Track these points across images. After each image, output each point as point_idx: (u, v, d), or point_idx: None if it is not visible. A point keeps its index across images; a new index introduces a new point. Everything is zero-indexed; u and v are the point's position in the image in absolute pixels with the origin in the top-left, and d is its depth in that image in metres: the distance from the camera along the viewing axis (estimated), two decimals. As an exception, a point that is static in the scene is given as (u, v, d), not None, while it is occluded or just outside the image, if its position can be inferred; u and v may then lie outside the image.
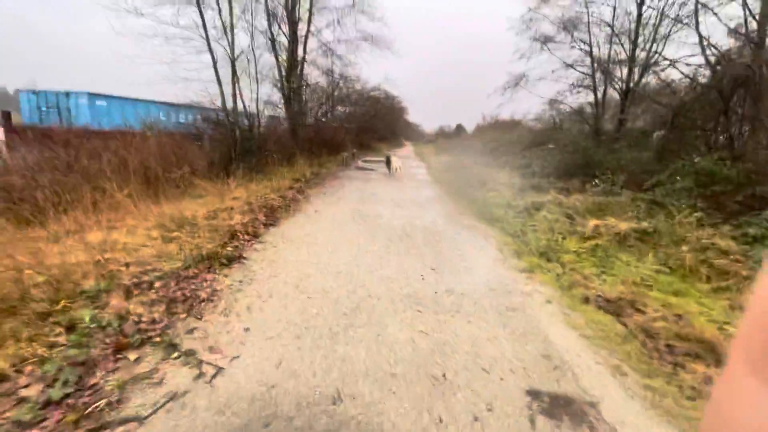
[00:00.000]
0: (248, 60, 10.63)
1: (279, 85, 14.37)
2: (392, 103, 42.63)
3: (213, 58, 9.45)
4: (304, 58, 15.14)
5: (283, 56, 14.58)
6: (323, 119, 22.45)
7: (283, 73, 14.43)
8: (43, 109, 17.71)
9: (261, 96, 11.41)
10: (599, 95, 16.77)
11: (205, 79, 10.07)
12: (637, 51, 14.73)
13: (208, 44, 9.40)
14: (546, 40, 18.17)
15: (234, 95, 9.96)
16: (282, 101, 14.62)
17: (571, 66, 17.26)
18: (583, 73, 17.37)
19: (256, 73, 10.97)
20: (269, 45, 13.75)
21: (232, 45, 9.71)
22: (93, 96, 17.96)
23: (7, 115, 6.81)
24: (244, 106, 10.81)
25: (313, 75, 17.31)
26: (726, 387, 0.36)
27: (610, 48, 16.12)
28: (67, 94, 17.80)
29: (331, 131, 20.09)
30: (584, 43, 17.41)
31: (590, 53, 16.70)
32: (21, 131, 7.13)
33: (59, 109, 17.42)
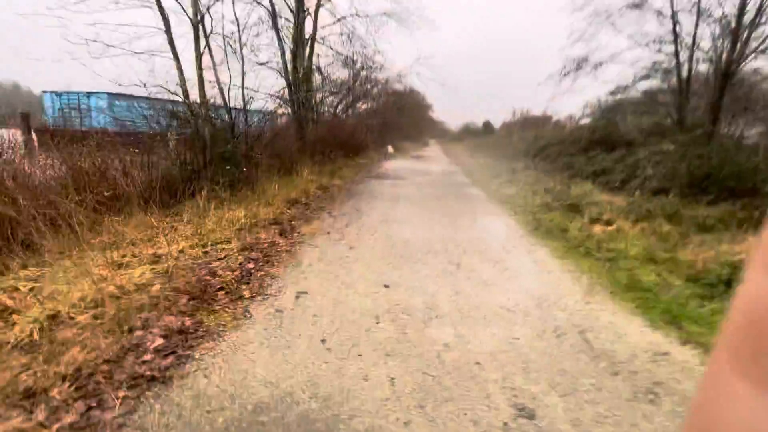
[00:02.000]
0: (225, 31, 7.24)
1: (282, 68, 10.94)
2: (417, 99, 38.88)
3: (163, 15, 6.05)
4: (314, 36, 11.66)
5: (287, 32, 11.12)
6: (344, 115, 18.97)
7: (287, 55, 10.97)
8: (65, 110, 15.88)
9: (262, 86, 8.09)
10: (683, 79, 12.94)
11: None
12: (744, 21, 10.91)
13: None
14: (609, 15, 14.28)
15: (201, 77, 6.56)
16: (285, 91, 11.19)
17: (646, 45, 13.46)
18: (662, 51, 13.53)
19: (240, 48, 7.55)
20: (268, 16, 10.31)
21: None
22: (112, 96, 15.52)
23: (26, 117, 6.11)
24: (225, 97, 7.43)
25: (327, 61, 13.82)
26: (712, 389, 0.33)
27: (698, 19, 12.32)
28: (88, 95, 15.63)
29: (350, 129, 16.57)
30: (662, 16, 13.52)
31: (674, 26, 12.93)
32: (40, 133, 6.43)
33: (80, 110, 15.53)
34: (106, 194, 4.85)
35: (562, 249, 4.61)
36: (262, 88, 10.47)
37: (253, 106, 8.78)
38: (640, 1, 13.53)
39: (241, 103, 7.89)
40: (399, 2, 12.29)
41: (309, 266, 3.78)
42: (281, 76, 11.08)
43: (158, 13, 5.96)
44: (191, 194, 6.37)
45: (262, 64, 9.39)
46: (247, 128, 7.93)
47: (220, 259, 3.70)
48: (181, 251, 3.80)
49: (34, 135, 6.43)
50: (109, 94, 14.82)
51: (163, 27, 6.05)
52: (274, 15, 10.75)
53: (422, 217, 6.14)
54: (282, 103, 11.08)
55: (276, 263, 3.76)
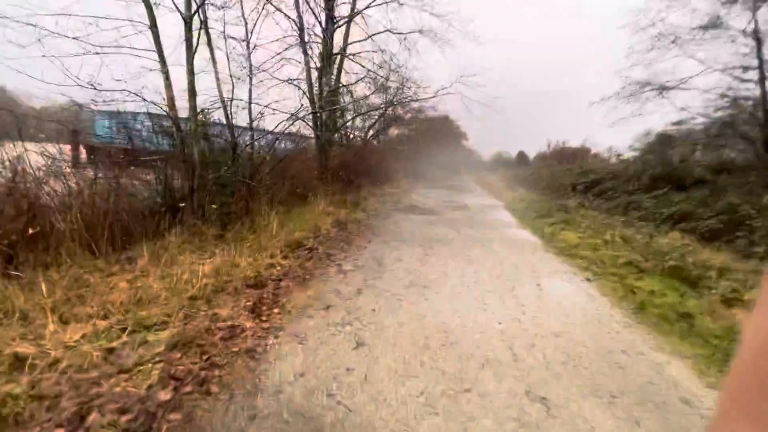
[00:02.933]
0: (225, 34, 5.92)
1: (306, 85, 9.64)
2: (450, 127, 37.47)
3: (147, 4, 4.75)
4: (343, 52, 10.39)
5: (315, 50, 9.89)
6: (374, 141, 17.64)
7: (312, 72, 9.69)
8: (114, 128, 15.52)
9: (285, 106, 6.73)
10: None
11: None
12: None
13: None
14: (676, 38, 12.59)
15: (192, 85, 5.18)
16: (309, 110, 9.87)
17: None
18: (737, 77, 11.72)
19: (248, 54, 6.20)
20: (295, 30, 9.11)
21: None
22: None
23: (75, 133, 5.60)
24: (227, 113, 6.05)
25: (357, 80, 12.54)
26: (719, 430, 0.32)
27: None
28: (135, 115, 15.12)
29: (378, 156, 15.13)
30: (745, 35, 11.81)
31: (759, 47, 11.28)
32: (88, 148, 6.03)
33: (128, 128, 15.07)
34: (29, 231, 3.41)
35: (707, 362, 2.71)
36: (285, 107, 9.19)
37: (271, 126, 7.44)
38: (715, 22, 11.68)
39: (253, 120, 6.51)
40: (439, 16, 10.90)
41: (271, 402, 2.07)
42: (306, 95, 9.79)
43: (142, 5, 4.69)
44: (168, 229, 4.90)
45: (285, 81, 8.09)
46: (252, 150, 6.51)
47: (123, 371, 2.08)
48: (69, 347, 2.22)
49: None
50: (149, 114, 14.27)
51: (147, 22, 4.78)
52: (301, 28, 9.58)
53: (465, 279, 4.37)
54: (304, 123, 9.75)
55: (214, 388, 2.08)
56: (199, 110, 5.80)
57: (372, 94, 10.71)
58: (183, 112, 5.54)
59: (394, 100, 9.96)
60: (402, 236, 6.54)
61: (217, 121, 6.38)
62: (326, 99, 9.51)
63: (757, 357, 0.28)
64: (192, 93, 5.13)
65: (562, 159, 39.75)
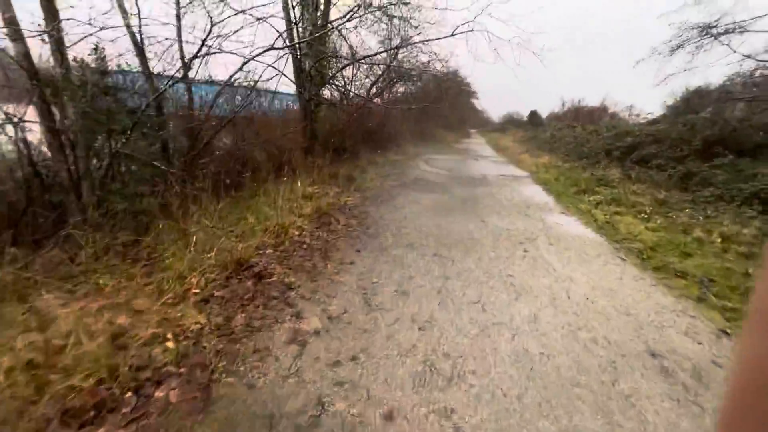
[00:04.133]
0: None
1: (285, 22, 7.28)
2: (460, 85, 34.19)
3: None
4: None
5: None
6: (376, 100, 15.15)
7: (292, 4, 7.30)
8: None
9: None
10: None
11: None
12: None
13: None
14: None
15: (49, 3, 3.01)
16: (287, 56, 7.54)
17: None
18: None
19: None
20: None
21: None
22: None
23: None
24: (143, 51, 3.88)
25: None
26: None
27: None
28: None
29: (380, 117, 12.79)
30: None
31: None
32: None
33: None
34: None
35: None
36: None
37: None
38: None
39: (188, 63, 4.32)
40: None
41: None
42: (282, 37, 7.41)
43: None
44: (34, 241, 2.94)
45: (242, 11, 5.71)
46: (192, 112, 4.38)
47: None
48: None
49: None
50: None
51: None
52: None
53: (527, 350, 2.38)
54: (279, 74, 7.44)
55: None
56: (93, 50, 3.62)
57: (368, 30, 8.31)
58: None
59: (401, 43, 7.53)
60: (407, 236, 4.49)
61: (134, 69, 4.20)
62: (310, 40, 7.16)
63: (753, 382, 0.26)
64: (50, 12, 2.94)
65: (578, 119, 36.72)
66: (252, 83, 5.64)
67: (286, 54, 7.47)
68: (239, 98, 5.81)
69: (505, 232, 4.89)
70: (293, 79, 7.64)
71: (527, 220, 5.55)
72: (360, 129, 10.37)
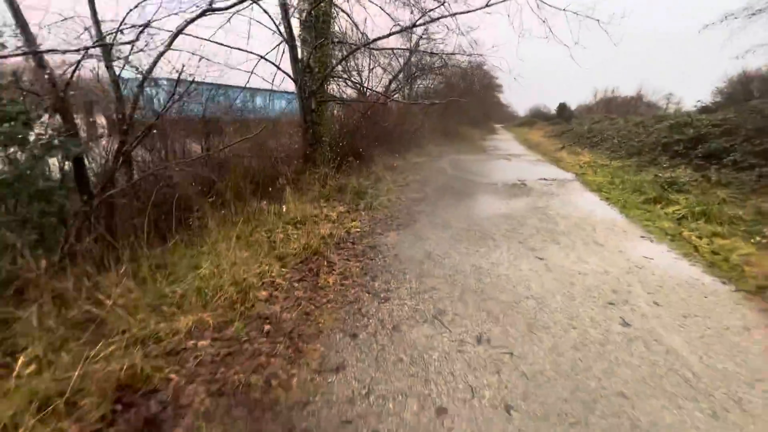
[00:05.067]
0: None
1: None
2: (484, 78, 32.04)
3: None
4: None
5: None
6: (395, 96, 13.56)
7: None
8: None
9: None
10: None
11: None
12: None
13: None
14: None
15: None
16: (286, 47, 6.10)
17: None
18: None
19: None
20: None
21: None
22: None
23: None
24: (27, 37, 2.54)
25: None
26: None
27: None
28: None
29: (398, 116, 11.24)
30: None
31: None
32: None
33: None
34: None
35: None
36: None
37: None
38: None
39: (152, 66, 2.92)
40: None
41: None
42: (276, 23, 5.96)
43: None
44: None
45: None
46: (123, 114, 2.99)
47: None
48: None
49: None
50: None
51: None
52: None
53: None
54: (276, 69, 5.99)
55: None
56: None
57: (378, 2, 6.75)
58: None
59: (422, 19, 5.90)
60: (433, 294, 2.93)
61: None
62: (308, 23, 5.70)
63: None
64: None
65: (611, 110, 33.93)
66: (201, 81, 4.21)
67: (281, 44, 6.04)
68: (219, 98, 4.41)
69: (578, 279, 3.26)
70: (290, 73, 6.18)
71: (601, 254, 3.89)
72: (374, 129, 8.85)
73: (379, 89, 14.54)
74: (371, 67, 13.44)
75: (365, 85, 13.14)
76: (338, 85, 8.17)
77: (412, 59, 15.14)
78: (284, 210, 4.53)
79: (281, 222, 4.30)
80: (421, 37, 11.87)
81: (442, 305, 2.76)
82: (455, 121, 21.13)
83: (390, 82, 16.66)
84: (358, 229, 4.45)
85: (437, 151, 12.86)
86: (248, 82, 5.85)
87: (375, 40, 6.50)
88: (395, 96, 15.10)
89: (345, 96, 8.17)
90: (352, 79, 9.70)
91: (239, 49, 5.25)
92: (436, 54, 10.43)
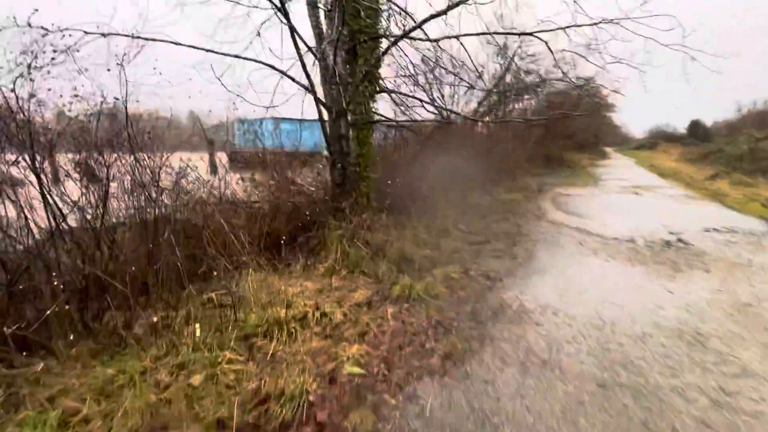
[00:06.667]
0: None
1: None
2: (591, 96, 27.38)
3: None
4: None
5: None
6: (484, 121, 10.99)
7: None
8: (246, 135, 14.66)
9: None
10: None
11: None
12: None
13: None
14: None
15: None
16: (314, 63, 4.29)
17: None
18: None
19: None
20: None
21: None
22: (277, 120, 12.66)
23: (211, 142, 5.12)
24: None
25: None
26: None
27: None
28: (261, 122, 13.60)
29: (483, 140, 8.84)
30: None
31: None
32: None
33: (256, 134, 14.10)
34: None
35: None
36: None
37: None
38: None
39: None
40: None
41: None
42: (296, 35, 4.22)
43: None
44: None
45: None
46: None
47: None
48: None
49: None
50: (273, 118, 11.67)
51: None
52: None
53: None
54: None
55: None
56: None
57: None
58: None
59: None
60: None
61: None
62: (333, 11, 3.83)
63: None
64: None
65: (762, 126, 26.33)
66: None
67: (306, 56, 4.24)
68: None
69: None
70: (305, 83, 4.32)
71: None
72: (444, 160, 6.58)
73: (462, 110, 12.26)
74: (454, 83, 11.37)
75: (437, 101, 11.00)
76: (394, 106, 6.11)
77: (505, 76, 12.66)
78: (247, 299, 2.53)
79: (228, 334, 2.29)
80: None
81: None
82: (558, 146, 17.63)
83: (479, 103, 14.28)
84: (363, 360, 2.19)
85: (535, 184, 9.95)
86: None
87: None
88: (486, 118, 12.62)
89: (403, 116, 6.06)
90: (423, 95, 7.55)
91: (230, 55, 3.56)
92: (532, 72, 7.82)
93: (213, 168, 4.36)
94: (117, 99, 2.65)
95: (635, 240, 4.88)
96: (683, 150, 22.54)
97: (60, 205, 2.35)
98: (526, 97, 16.33)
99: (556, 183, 10.95)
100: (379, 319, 2.66)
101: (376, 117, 4.79)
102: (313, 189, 4.33)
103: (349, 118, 4.34)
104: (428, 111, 6.41)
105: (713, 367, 2.17)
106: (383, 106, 6.39)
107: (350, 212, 4.23)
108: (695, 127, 35.43)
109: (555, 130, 17.73)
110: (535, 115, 13.34)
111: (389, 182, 5.01)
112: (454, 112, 8.99)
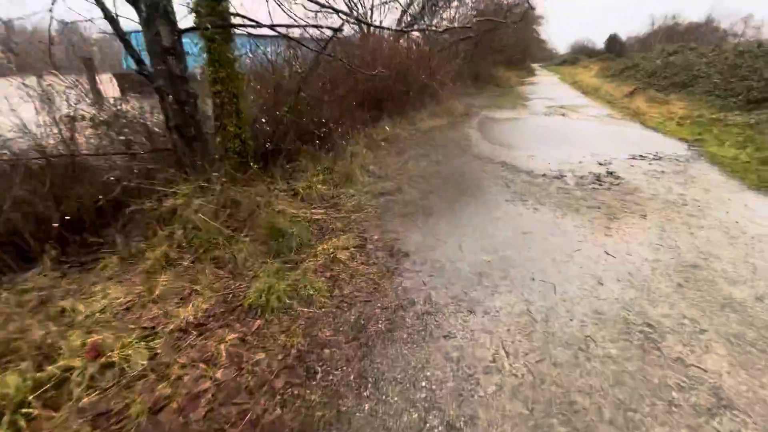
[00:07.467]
0: None
1: None
2: (521, 10, 25.89)
3: None
4: None
5: None
6: (407, 31, 9.30)
7: None
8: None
9: None
10: None
11: None
12: None
13: None
14: None
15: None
16: None
17: None
18: None
19: None
20: None
21: None
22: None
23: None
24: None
25: None
26: None
27: None
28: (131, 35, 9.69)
29: (403, 61, 7.46)
30: None
31: None
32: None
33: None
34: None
35: None
36: None
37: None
38: None
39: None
40: None
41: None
42: None
43: None
44: None
45: None
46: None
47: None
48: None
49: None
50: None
51: None
52: None
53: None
54: None
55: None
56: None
57: None
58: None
59: None
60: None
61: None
62: None
63: None
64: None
65: (673, 40, 27.28)
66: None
67: None
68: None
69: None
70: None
71: None
72: (367, 86, 5.29)
73: (377, 21, 10.52)
74: None
75: (354, 10, 9.17)
76: (290, 14, 4.45)
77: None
78: None
79: None
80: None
81: None
82: (486, 62, 16.56)
83: (402, 14, 12.42)
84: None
85: (462, 108, 8.98)
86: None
87: None
88: (412, 30, 10.97)
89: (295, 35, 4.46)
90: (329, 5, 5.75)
91: None
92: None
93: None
94: None
95: (565, 176, 4.23)
96: (602, 66, 22.66)
97: None
98: (454, 4, 14.70)
99: (485, 105, 10.10)
100: (205, 362, 1.66)
101: (235, 20, 3.25)
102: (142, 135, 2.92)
103: (175, 19, 2.82)
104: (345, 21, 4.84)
105: (678, 395, 1.53)
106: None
107: (205, 167, 2.97)
108: (612, 42, 35.99)
109: (484, 45, 16.48)
110: (464, 27, 11.92)
111: (274, 118, 3.68)
112: (371, 25, 7.39)
